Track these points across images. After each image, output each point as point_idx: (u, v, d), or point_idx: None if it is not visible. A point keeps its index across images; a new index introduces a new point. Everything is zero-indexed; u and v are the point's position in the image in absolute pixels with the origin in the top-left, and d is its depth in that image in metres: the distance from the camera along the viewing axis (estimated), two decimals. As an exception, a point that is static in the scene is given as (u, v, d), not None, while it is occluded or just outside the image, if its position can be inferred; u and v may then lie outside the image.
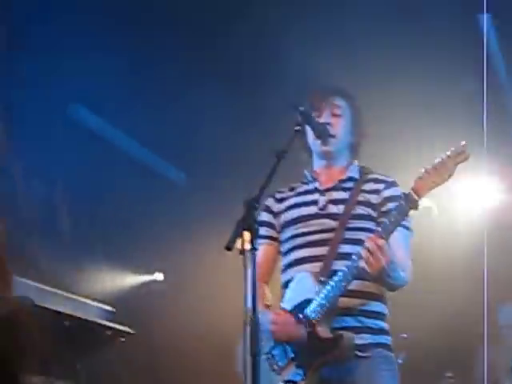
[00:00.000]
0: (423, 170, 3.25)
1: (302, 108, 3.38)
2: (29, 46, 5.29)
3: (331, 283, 3.29)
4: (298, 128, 3.36)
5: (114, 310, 4.31)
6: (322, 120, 3.56)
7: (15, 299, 3.71)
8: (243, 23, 5.60)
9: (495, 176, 6.65)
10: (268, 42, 5.58)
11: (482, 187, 6.74)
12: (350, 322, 3.37)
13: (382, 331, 3.47)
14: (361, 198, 3.54)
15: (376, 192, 3.55)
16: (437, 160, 3.25)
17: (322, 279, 3.35)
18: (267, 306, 3.50)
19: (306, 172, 3.72)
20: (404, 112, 5.97)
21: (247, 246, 2.80)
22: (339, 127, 3.60)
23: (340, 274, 3.28)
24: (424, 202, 3.35)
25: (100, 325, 4.20)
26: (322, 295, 3.30)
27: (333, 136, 3.56)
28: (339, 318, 3.34)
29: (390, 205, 3.43)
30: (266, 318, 3.33)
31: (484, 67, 5.52)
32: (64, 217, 6.37)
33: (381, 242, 3.17)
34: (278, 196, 3.70)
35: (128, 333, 4.32)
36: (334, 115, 3.61)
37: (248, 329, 2.72)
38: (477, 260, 5.88)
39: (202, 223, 6.83)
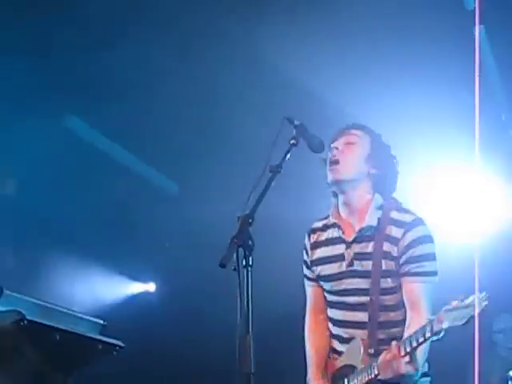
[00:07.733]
0: (450, 306, 3.07)
1: (297, 122, 3.34)
2: None
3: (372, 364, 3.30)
4: (293, 142, 3.32)
5: (105, 323, 4.23)
6: (333, 145, 3.53)
7: (5, 313, 3.63)
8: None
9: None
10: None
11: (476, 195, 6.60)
12: None
13: None
14: (385, 247, 3.43)
15: (395, 241, 3.43)
16: (463, 302, 3.04)
17: (371, 352, 3.37)
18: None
19: (330, 213, 3.63)
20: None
21: (242, 263, 2.75)
22: (349, 154, 3.52)
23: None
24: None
25: (91, 338, 4.12)
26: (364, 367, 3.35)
27: (336, 162, 3.50)
28: None
29: (411, 251, 3.38)
30: None
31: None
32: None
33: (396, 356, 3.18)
34: (312, 239, 3.66)
35: (120, 346, 4.24)
36: (348, 143, 3.55)
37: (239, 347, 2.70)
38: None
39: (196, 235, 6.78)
